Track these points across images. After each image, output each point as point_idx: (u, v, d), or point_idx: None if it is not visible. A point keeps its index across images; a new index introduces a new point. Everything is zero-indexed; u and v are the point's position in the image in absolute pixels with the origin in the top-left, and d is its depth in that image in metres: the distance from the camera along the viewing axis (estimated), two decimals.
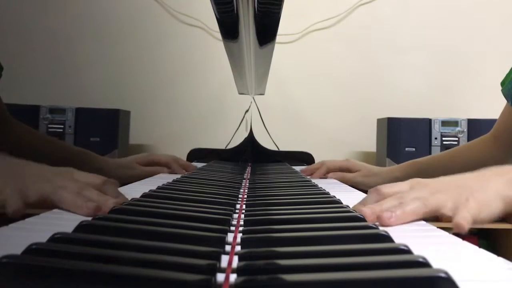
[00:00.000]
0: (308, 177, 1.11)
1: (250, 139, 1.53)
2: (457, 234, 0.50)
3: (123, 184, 0.77)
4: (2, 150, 1.14)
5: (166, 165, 1.20)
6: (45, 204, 0.57)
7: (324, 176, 1.20)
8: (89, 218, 0.44)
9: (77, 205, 0.54)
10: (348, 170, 1.19)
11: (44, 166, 0.62)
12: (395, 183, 0.62)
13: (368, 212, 0.53)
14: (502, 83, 1.05)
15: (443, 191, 0.56)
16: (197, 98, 2.32)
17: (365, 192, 0.68)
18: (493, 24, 2.32)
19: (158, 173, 1.17)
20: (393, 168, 1.22)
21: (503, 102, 1.07)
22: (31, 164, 0.62)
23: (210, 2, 0.65)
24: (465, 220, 0.51)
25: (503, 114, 1.08)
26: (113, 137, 1.98)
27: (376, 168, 1.21)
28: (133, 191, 0.70)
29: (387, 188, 0.61)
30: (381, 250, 0.36)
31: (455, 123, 1.99)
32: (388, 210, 0.54)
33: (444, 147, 1.94)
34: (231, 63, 1.06)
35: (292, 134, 2.23)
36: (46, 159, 1.18)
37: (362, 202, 0.62)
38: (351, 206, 0.58)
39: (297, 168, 1.31)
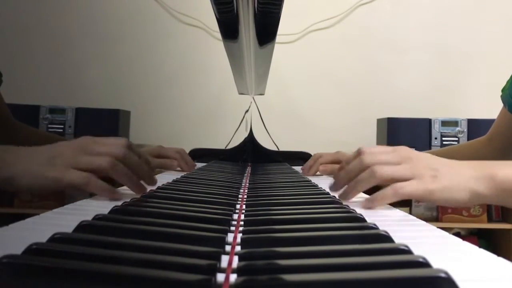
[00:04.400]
0: (308, 177, 1.12)
1: (250, 139, 1.53)
2: (457, 234, 0.51)
3: None
4: None
5: (174, 160, 1.23)
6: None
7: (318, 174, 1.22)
8: (89, 218, 0.44)
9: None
10: (340, 162, 1.20)
11: (63, 142, 0.66)
12: (379, 147, 0.69)
13: (331, 187, 0.69)
14: (502, 90, 1.05)
15: (414, 164, 0.60)
16: (197, 98, 2.32)
17: None
18: (493, 24, 2.32)
19: (168, 165, 1.19)
20: None
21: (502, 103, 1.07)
22: (54, 145, 0.65)
23: (210, 2, 0.65)
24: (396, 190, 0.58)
25: (498, 117, 1.09)
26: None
27: None
28: None
29: (368, 149, 0.67)
30: (381, 250, 0.36)
31: (455, 123, 1.99)
32: (349, 179, 0.64)
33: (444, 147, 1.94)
34: (231, 63, 1.06)
35: (292, 134, 2.23)
36: None
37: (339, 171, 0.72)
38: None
39: (297, 168, 1.31)
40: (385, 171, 0.60)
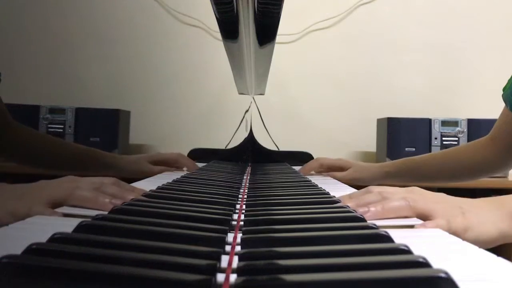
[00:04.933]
0: (306, 176, 1.12)
1: (250, 139, 1.53)
2: None
3: (131, 181, 0.78)
4: (5, 153, 1.13)
5: (175, 162, 1.22)
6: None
7: (315, 173, 1.23)
8: (89, 218, 0.44)
9: (99, 201, 0.55)
10: (341, 168, 1.21)
11: (44, 180, 0.60)
12: (391, 187, 0.61)
13: (350, 204, 0.56)
14: (504, 89, 1.05)
15: (436, 202, 0.56)
16: (197, 98, 2.32)
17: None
18: (493, 24, 2.32)
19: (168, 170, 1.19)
20: (384, 164, 1.23)
21: (503, 102, 1.07)
22: (32, 183, 0.59)
23: (210, 2, 0.65)
24: (440, 227, 0.51)
25: (501, 117, 1.08)
26: (113, 137, 1.98)
27: (367, 164, 1.23)
28: None
29: (379, 188, 0.61)
30: (381, 250, 0.36)
31: (455, 123, 1.99)
32: (368, 204, 0.56)
33: (444, 147, 1.94)
34: (231, 63, 1.06)
35: (292, 134, 2.23)
36: (53, 159, 1.18)
37: (349, 195, 0.64)
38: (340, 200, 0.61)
39: (297, 168, 1.31)
40: (421, 205, 0.55)
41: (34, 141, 1.15)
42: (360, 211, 0.54)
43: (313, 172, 1.25)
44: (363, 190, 0.64)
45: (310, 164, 1.24)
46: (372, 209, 0.55)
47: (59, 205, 0.55)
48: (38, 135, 1.22)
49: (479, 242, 0.53)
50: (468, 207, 0.55)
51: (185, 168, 1.24)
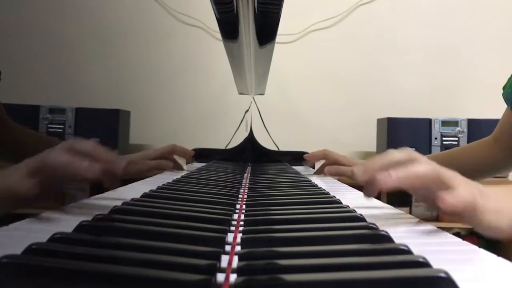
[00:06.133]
0: (306, 176, 1.12)
1: (250, 139, 1.53)
2: (457, 234, 0.50)
3: (129, 181, 0.78)
4: (1, 153, 1.13)
5: (171, 153, 1.22)
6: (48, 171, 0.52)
7: (320, 172, 1.23)
8: (89, 218, 0.44)
9: (75, 164, 0.50)
10: (344, 166, 1.21)
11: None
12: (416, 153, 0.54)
13: (358, 170, 0.50)
14: (504, 87, 1.05)
15: (457, 178, 0.51)
16: (197, 98, 2.32)
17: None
18: (493, 24, 2.32)
19: (164, 165, 1.18)
20: None
21: (503, 102, 1.07)
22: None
23: (210, 2, 0.65)
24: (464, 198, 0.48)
25: (503, 117, 1.08)
26: (113, 137, 1.98)
27: None
28: (133, 191, 0.70)
29: (406, 149, 0.54)
30: (381, 250, 0.36)
31: (455, 123, 1.99)
32: (395, 164, 0.49)
33: (444, 147, 1.94)
34: (231, 63, 1.06)
35: (292, 134, 2.23)
36: None
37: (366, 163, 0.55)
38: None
39: (297, 168, 1.31)
40: (447, 175, 0.50)
41: (29, 139, 1.14)
42: (379, 177, 0.48)
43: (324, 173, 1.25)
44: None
45: (315, 152, 1.25)
46: (394, 174, 0.47)
47: (40, 174, 0.51)
48: (33, 134, 1.21)
49: (491, 228, 0.49)
50: (487, 192, 0.51)
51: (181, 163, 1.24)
